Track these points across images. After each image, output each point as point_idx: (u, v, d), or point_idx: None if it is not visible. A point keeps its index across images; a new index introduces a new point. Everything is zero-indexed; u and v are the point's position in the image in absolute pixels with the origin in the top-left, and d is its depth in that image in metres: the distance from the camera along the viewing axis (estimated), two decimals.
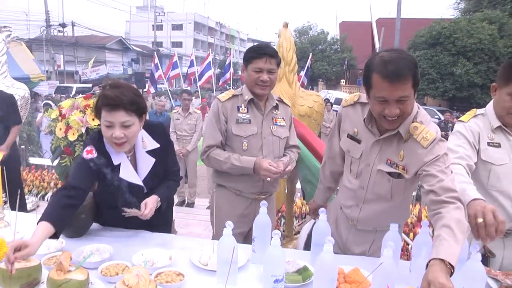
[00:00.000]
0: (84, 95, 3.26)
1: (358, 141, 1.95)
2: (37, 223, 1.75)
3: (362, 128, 1.94)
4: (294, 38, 42.44)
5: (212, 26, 67.28)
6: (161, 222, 2.25)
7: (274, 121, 2.53)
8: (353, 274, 1.74)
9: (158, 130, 2.18)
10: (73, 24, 32.04)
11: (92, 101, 3.12)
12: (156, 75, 13.55)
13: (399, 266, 1.81)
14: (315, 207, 2.40)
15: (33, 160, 7.80)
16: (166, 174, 2.22)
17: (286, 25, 3.64)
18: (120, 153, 2.03)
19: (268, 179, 2.36)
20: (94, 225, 2.24)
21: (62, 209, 1.85)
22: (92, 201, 2.20)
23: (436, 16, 28.49)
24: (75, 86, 23.43)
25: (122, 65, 38.28)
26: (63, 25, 30.62)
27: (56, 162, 3.23)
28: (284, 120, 2.57)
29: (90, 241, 2.06)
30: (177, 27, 55.69)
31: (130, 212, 1.99)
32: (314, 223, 1.96)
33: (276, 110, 2.55)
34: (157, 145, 2.12)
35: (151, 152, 2.11)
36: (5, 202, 2.36)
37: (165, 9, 54.06)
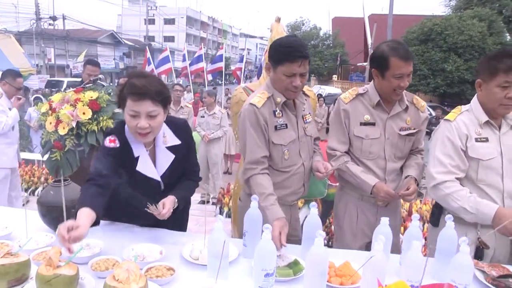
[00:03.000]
0: (74, 89, 3.23)
1: (373, 124, 2.34)
2: (76, 212, 1.73)
3: (372, 113, 2.35)
4: (287, 33, 42.41)
5: (204, 21, 66.98)
6: (176, 224, 2.21)
7: (304, 119, 2.33)
8: (344, 267, 1.76)
9: (181, 127, 2.15)
10: (64, 17, 31.67)
11: (82, 95, 3.09)
12: (148, 69, 13.47)
13: (389, 259, 1.82)
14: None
15: (23, 155, 7.73)
16: (186, 173, 2.19)
17: (278, 20, 3.63)
18: (140, 146, 2.00)
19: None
20: None
21: (95, 197, 1.83)
22: None
23: (427, 13, 28.62)
24: (66, 80, 23.14)
25: (114, 59, 38.03)
26: (53, 18, 30.27)
27: (46, 156, 3.20)
28: (310, 115, 2.39)
29: None
30: (169, 21, 55.33)
31: (151, 209, 1.92)
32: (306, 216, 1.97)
33: (304, 106, 2.33)
34: (178, 142, 2.09)
35: (171, 149, 2.08)
36: None
37: (157, 3, 53.58)
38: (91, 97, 3.08)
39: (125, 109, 1.90)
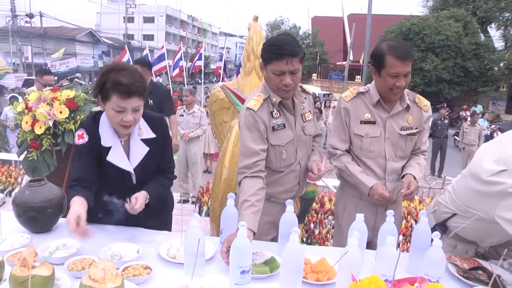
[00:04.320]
0: (51, 88, 3.19)
1: (373, 122, 2.35)
2: (70, 202, 1.85)
3: (373, 111, 2.36)
4: (266, 32, 42.66)
5: (184, 19, 66.46)
6: (161, 225, 2.23)
7: (303, 117, 2.30)
8: (320, 264, 1.78)
9: (157, 121, 2.16)
10: (41, 15, 31.06)
11: (59, 94, 3.05)
12: None
13: (364, 255, 1.86)
14: None
15: None
16: (160, 169, 2.19)
17: (256, 19, 3.65)
18: (114, 137, 2.02)
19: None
20: (62, 220, 2.20)
21: (84, 192, 1.91)
22: (61, 196, 2.17)
23: (406, 13, 29.08)
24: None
25: (93, 57, 37.44)
26: (30, 16, 29.62)
27: (22, 156, 3.15)
28: (310, 113, 2.37)
29: (57, 236, 2.04)
30: (149, 19, 54.74)
31: (126, 206, 1.95)
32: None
33: (303, 105, 2.31)
34: (153, 135, 2.10)
35: (146, 142, 2.08)
36: None
37: (136, 1, 52.95)
38: (68, 95, 3.04)
39: (109, 104, 1.90)
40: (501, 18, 26.24)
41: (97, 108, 3.21)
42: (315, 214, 4.70)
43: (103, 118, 2.03)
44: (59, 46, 31.83)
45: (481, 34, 25.66)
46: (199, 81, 17.42)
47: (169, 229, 2.39)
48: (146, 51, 13.04)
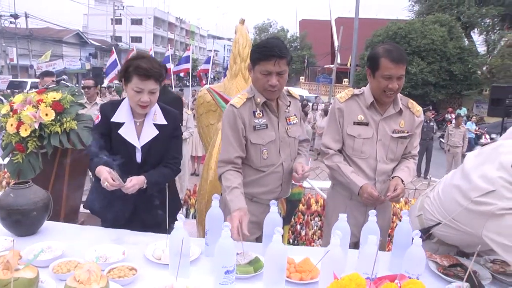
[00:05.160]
0: (37, 90, 3.18)
1: (366, 124, 2.41)
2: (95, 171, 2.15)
3: (366, 113, 2.42)
4: (254, 35, 42.70)
5: (172, 22, 66.29)
6: (155, 222, 2.26)
7: (287, 120, 2.34)
8: (304, 263, 1.81)
9: (172, 114, 2.43)
10: (26, 16, 30.71)
11: (45, 96, 3.04)
12: (113, 73, 13.14)
13: (348, 254, 1.89)
14: None
15: None
16: (168, 157, 2.39)
17: (242, 22, 3.67)
18: (129, 115, 2.30)
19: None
20: (48, 223, 2.21)
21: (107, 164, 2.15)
22: (46, 198, 2.17)
23: (392, 17, 29.42)
24: (29, 80, 22.38)
25: (80, 59, 37.09)
26: (15, 16, 29.29)
27: (7, 159, 3.13)
28: (296, 117, 2.41)
29: (42, 238, 2.04)
30: (137, 21, 54.51)
31: (113, 184, 2.06)
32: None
33: (289, 108, 2.36)
34: (165, 122, 2.35)
35: (157, 126, 2.33)
36: None
37: (124, 3, 52.64)
38: (54, 98, 3.03)
39: (130, 85, 2.20)
40: (482, 24, 27.13)
41: (83, 111, 3.22)
42: (301, 216, 4.73)
43: (126, 99, 2.32)
44: (45, 48, 31.48)
45: (465, 39, 26.16)
46: (187, 84, 17.37)
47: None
48: (188, 52, 13.03)
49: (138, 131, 2.32)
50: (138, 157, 2.30)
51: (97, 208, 2.38)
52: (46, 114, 2.94)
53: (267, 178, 2.31)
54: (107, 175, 2.05)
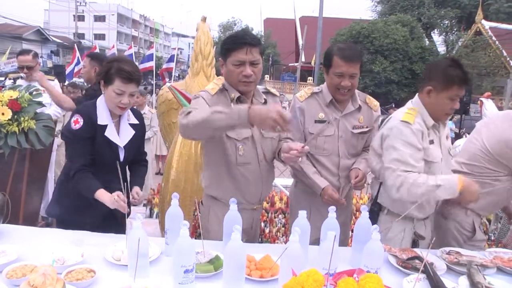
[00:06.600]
0: None
1: (327, 122, 2.43)
2: (94, 194, 2.14)
3: (326, 111, 2.46)
4: (219, 33, 42.48)
5: (136, 19, 65.06)
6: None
7: None
8: (264, 261, 1.83)
9: (139, 114, 2.54)
10: None
11: (1, 95, 2.94)
12: (76, 69, 12.83)
13: (308, 250, 1.92)
14: None
15: None
16: (138, 156, 2.54)
17: (204, 19, 3.68)
18: (108, 117, 2.31)
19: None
20: (3, 226, 2.13)
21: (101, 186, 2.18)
22: (2, 201, 2.10)
23: (356, 17, 29.99)
24: None
25: (41, 57, 35.89)
26: None
27: None
28: None
29: None
30: (100, 18, 53.16)
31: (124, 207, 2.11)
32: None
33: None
34: (137, 121, 2.46)
35: (132, 126, 2.42)
36: None
37: None
38: (11, 96, 2.95)
39: (111, 87, 2.22)
40: (442, 25, 28.36)
41: (41, 109, 3.14)
42: (265, 213, 4.77)
43: (99, 101, 2.32)
44: (3, 45, 30.23)
45: (426, 39, 27.12)
46: (151, 82, 17.10)
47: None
48: (153, 50, 12.76)
49: (116, 131, 2.37)
50: (122, 156, 2.36)
51: (63, 216, 2.36)
52: (3, 114, 2.86)
53: (245, 183, 2.23)
54: (122, 203, 2.07)
